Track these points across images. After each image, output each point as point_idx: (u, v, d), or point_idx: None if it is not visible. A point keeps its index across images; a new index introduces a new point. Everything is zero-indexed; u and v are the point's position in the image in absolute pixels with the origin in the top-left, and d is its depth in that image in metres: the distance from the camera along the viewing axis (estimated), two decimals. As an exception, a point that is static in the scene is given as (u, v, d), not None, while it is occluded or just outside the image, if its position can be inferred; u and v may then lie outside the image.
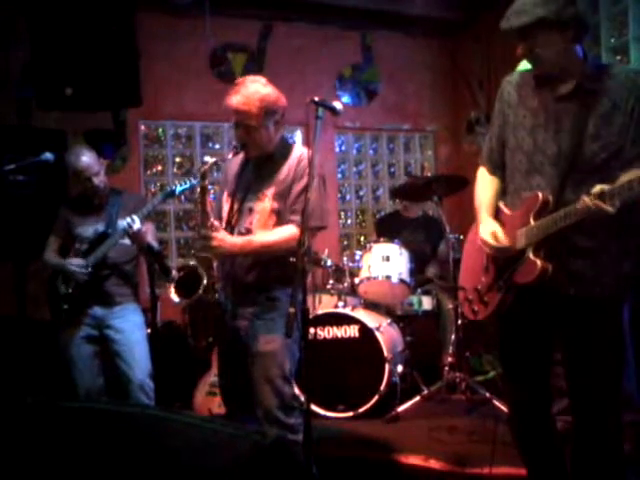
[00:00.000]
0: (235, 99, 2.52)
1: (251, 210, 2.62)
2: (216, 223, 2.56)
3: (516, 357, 2.31)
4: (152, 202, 3.27)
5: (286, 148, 2.68)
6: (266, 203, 2.60)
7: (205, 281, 2.55)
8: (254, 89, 2.53)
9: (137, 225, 3.17)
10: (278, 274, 2.58)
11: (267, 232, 2.58)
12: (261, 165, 2.66)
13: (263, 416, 2.55)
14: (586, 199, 1.90)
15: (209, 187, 2.60)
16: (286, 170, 2.60)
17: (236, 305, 2.68)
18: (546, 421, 2.33)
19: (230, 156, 2.65)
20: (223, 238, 2.51)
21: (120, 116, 5.05)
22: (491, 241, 2.21)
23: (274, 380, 2.55)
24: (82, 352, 3.36)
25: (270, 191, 2.60)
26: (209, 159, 2.57)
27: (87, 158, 3.32)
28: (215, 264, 2.59)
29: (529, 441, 2.35)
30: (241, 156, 2.74)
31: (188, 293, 2.83)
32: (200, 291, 2.56)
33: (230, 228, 2.65)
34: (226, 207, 2.71)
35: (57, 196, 4.17)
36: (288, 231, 2.53)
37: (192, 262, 2.66)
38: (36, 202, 4.31)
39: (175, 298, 2.62)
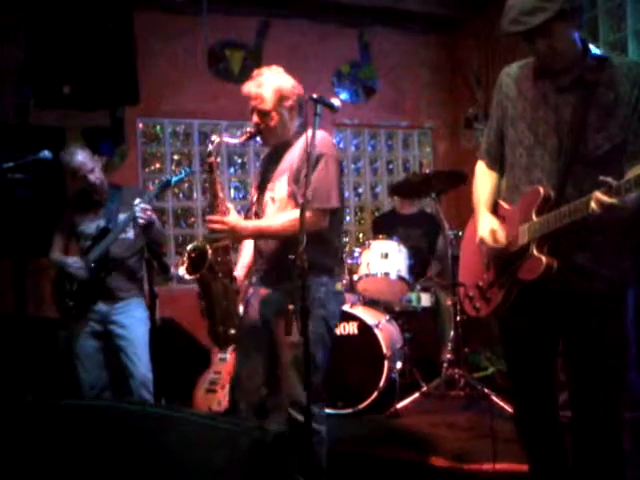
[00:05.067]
0: (250, 84, 2.61)
1: (273, 199, 2.65)
2: (228, 205, 2.58)
3: (521, 354, 2.30)
4: (149, 194, 3.32)
5: (301, 134, 2.66)
6: (283, 189, 2.61)
7: (210, 258, 2.53)
8: (269, 76, 2.61)
9: (149, 207, 3.24)
10: (312, 262, 2.49)
11: (276, 216, 2.59)
12: (279, 154, 2.69)
13: (289, 404, 2.53)
14: (593, 205, 1.86)
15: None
16: (297, 155, 2.61)
17: (267, 291, 2.67)
18: (552, 417, 2.32)
19: (243, 139, 2.68)
20: (234, 222, 2.50)
21: (118, 114, 5.04)
22: (489, 240, 2.20)
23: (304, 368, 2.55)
24: (87, 347, 3.39)
25: (285, 177, 2.61)
26: (216, 138, 2.61)
27: (81, 156, 3.37)
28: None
29: (534, 437, 2.33)
30: (267, 153, 2.83)
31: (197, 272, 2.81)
32: (206, 266, 2.54)
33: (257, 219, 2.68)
34: (254, 201, 2.76)
35: (55, 194, 4.17)
36: (295, 213, 2.48)
37: (200, 243, 2.64)
38: (34, 200, 4.30)
39: (185, 275, 2.61)
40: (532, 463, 2.39)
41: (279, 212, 2.60)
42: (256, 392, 2.67)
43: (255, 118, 2.61)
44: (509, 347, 2.37)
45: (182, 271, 2.60)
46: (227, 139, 2.68)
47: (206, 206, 2.64)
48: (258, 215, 2.71)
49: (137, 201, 3.27)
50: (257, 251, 2.70)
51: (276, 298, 2.62)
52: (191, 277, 2.59)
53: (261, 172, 2.80)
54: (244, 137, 2.66)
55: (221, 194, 2.60)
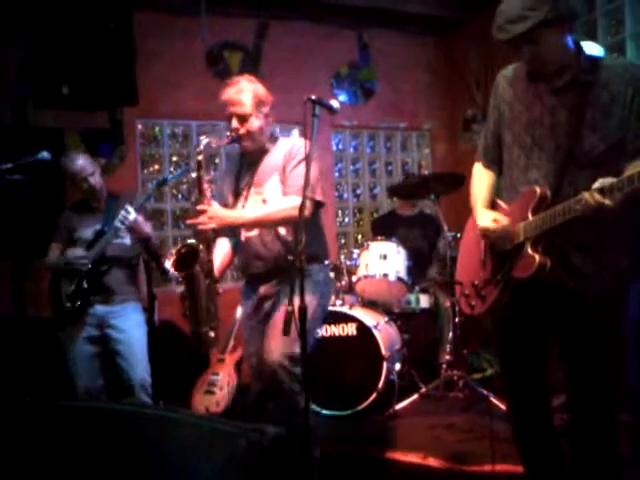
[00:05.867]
0: (229, 90, 2.71)
1: (264, 200, 2.72)
2: (213, 202, 2.64)
3: (513, 351, 2.31)
4: (146, 193, 3.32)
5: (276, 140, 2.82)
6: (276, 189, 2.70)
7: (202, 255, 2.61)
8: (245, 82, 2.72)
9: (132, 215, 3.22)
10: (312, 252, 2.65)
11: (264, 205, 2.69)
12: (259, 159, 2.78)
13: (270, 364, 2.59)
14: (587, 196, 1.88)
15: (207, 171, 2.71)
16: (282, 157, 2.72)
17: (263, 287, 2.75)
18: (545, 416, 2.32)
19: (225, 142, 2.74)
20: (216, 210, 2.60)
21: (117, 115, 5.04)
22: (492, 226, 2.20)
23: (288, 338, 2.51)
24: (83, 353, 3.39)
25: (275, 178, 2.71)
26: (204, 139, 2.66)
27: (81, 161, 3.41)
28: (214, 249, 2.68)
29: (528, 437, 2.34)
30: (237, 157, 2.91)
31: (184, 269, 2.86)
32: (197, 266, 2.58)
33: None
34: (231, 202, 2.82)
35: (54, 195, 4.17)
36: (285, 200, 2.63)
37: (191, 240, 2.69)
38: (33, 201, 4.30)
39: (172, 271, 2.64)
40: (527, 463, 2.39)
41: None
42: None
43: (235, 123, 2.69)
44: (502, 344, 2.38)
45: (169, 266, 2.64)
46: (211, 139, 2.69)
47: (193, 203, 2.70)
48: None
49: (123, 212, 3.22)
50: (254, 256, 2.75)
51: (278, 291, 2.72)
52: (178, 274, 2.63)
53: (235, 178, 2.85)
54: (226, 141, 2.74)
55: (207, 192, 2.66)
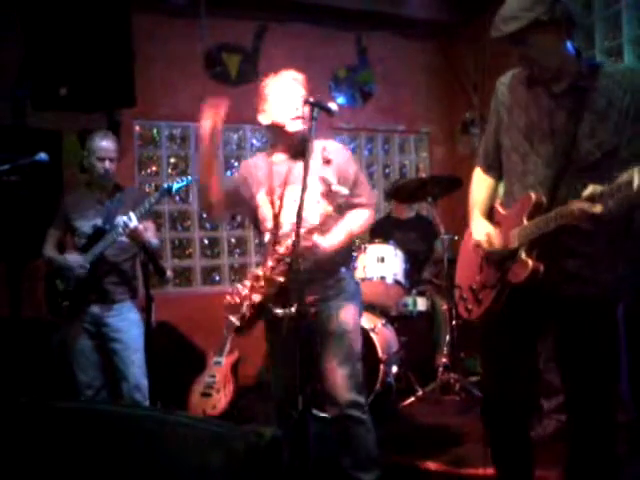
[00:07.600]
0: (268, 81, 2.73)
1: (318, 202, 2.61)
2: (288, 241, 2.50)
3: (500, 353, 2.28)
4: (149, 200, 3.27)
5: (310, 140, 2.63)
6: (316, 190, 2.59)
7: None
8: (289, 72, 2.76)
9: (133, 223, 3.17)
10: (342, 257, 2.68)
11: (347, 222, 2.64)
12: (296, 158, 2.66)
13: (338, 397, 2.62)
14: (577, 203, 1.88)
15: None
16: (318, 157, 2.62)
17: (302, 291, 2.59)
18: (522, 420, 2.33)
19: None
20: (320, 241, 2.50)
21: (115, 116, 5.03)
22: (485, 244, 2.23)
23: (350, 360, 2.64)
24: (83, 347, 3.38)
25: (314, 177, 2.57)
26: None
27: (110, 142, 3.44)
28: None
29: (504, 438, 2.33)
30: (266, 157, 2.82)
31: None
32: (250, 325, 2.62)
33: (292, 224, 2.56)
34: (267, 206, 2.69)
35: (51, 196, 4.16)
36: (364, 215, 2.69)
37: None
38: (30, 203, 4.29)
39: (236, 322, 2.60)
40: (497, 464, 2.37)
41: (321, 215, 2.58)
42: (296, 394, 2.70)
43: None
44: (488, 344, 2.36)
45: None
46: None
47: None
48: (278, 217, 2.65)
49: (125, 218, 3.17)
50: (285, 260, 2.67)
51: (316, 297, 2.63)
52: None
53: (272, 178, 2.72)
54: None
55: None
